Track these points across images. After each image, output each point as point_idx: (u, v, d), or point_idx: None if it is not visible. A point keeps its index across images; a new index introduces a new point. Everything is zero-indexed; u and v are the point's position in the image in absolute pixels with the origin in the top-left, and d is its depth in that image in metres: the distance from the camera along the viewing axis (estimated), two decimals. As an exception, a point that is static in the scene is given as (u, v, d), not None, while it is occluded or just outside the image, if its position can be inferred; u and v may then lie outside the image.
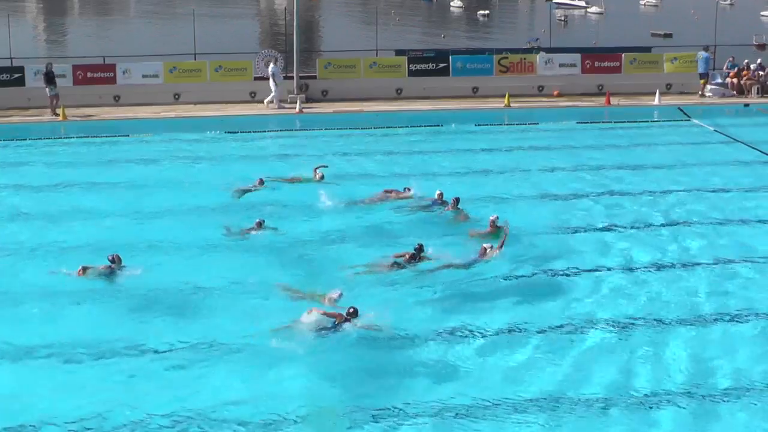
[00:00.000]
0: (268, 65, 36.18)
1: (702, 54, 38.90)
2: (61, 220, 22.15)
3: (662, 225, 21.97)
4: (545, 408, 13.42)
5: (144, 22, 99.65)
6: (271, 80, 35.95)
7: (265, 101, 36.07)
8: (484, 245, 19.15)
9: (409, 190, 23.43)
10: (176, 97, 36.64)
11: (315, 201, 23.14)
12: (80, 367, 14.69)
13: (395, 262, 18.65)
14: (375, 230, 21.42)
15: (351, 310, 15.58)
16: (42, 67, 35.30)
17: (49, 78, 34.23)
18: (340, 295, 16.34)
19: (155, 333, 15.77)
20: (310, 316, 15.63)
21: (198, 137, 31.52)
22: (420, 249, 18.75)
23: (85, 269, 18.06)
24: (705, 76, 38.81)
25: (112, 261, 18.27)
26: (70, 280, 17.86)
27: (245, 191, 24.18)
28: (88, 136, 31.57)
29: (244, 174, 25.40)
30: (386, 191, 23.52)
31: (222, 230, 20.77)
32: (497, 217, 20.52)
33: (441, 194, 22.57)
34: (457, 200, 22.20)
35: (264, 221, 20.68)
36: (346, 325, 15.46)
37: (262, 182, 24.54)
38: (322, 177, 25.03)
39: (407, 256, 18.69)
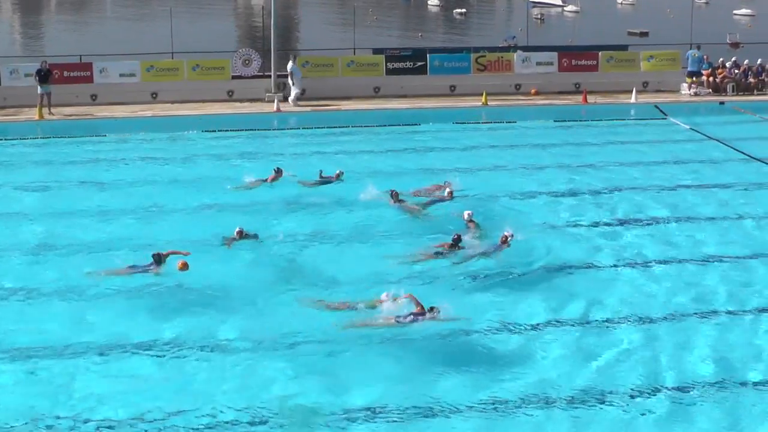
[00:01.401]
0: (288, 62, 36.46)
1: (695, 52, 39.12)
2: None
3: (640, 222, 22.10)
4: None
5: (121, 21, 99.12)
6: (289, 78, 35.99)
7: (290, 99, 36.18)
8: (505, 233, 19.66)
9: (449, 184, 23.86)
10: (153, 96, 36.55)
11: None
12: (146, 363, 14.91)
13: (437, 252, 19.27)
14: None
15: (431, 308, 15.98)
16: (32, 65, 35.04)
17: (43, 76, 34.08)
18: (391, 295, 16.54)
19: (227, 328, 16.04)
20: (389, 306, 16.11)
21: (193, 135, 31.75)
22: (458, 239, 19.37)
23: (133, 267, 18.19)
24: (695, 74, 39.02)
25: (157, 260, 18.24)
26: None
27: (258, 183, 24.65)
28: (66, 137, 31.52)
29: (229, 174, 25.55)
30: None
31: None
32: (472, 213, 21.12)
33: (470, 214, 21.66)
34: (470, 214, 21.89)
35: (243, 230, 19.99)
36: (427, 317, 15.85)
37: (279, 172, 24.85)
38: (341, 174, 25.09)
39: (446, 246, 19.36)
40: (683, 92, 39.22)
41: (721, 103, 37.96)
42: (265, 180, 24.77)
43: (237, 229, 19.95)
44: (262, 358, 15.02)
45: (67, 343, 15.37)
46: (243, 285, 17.89)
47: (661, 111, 36.24)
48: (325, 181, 24.78)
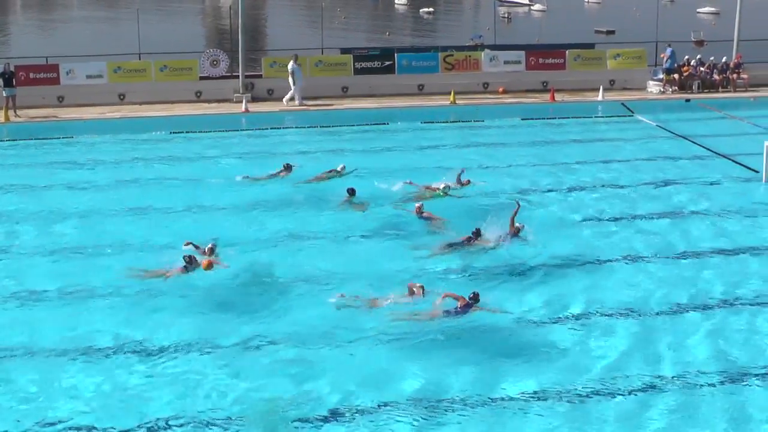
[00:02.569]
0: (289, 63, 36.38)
1: (668, 50, 39.46)
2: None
3: (609, 219, 22.23)
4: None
5: (87, 22, 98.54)
6: (290, 78, 35.95)
7: (285, 100, 36.25)
8: (517, 225, 20.17)
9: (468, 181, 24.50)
10: (121, 97, 36.39)
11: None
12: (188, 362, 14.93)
13: (455, 244, 19.71)
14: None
15: (473, 294, 16.31)
16: (-2, 67, 34.92)
17: (7, 79, 33.88)
18: (422, 287, 16.77)
19: (276, 325, 16.20)
20: (437, 301, 16.34)
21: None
22: (477, 233, 19.72)
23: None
24: (671, 71, 39.31)
25: (189, 261, 18.14)
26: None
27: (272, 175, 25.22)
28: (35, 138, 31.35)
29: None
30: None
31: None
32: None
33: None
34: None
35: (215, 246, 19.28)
36: (473, 308, 16.17)
37: (289, 168, 25.43)
38: (343, 168, 25.53)
39: (464, 240, 19.67)
40: (651, 90, 39.51)
41: (687, 100, 38.29)
42: (276, 174, 25.33)
43: (210, 245, 18.93)
44: (305, 354, 15.16)
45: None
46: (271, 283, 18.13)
47: (628, 108, 36.50)
48: (330, 175, 25.33)
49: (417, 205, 21.92)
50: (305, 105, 36.12)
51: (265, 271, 18.58)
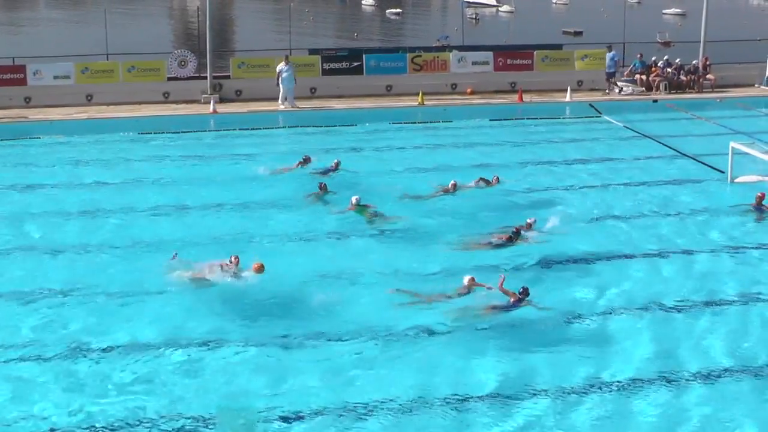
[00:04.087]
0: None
1: (609, 54, 39.64)
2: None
3: (574, 220, 22.32)
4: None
5: (54, 22, 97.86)
6: (277, 78, 35.87)
7: (280, 101, 36.19)
8: (528, 220, 20.81)
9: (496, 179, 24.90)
10: (89, 98, 36.15)
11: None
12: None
13: (496, 243, 20.16)
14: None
15: (522, 289, 16.67)
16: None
17: None
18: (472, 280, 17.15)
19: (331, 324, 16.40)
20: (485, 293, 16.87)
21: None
22: (517, 232, 20.17)
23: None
24: (613, 75, 39.54)
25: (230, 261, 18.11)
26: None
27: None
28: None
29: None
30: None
31: None
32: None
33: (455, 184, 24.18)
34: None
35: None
36: (524, 303, 16.57)
37: (337, 165, 25.91)
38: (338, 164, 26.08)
39: (505, 238, 20.12)
40: (617, 91, 39.76)
41: (654, 101, 38.54)
42: (294, 167, 25.96)
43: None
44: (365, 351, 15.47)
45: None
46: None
47: (596, 109, 36.68)
48: (324, 171, 25.67)
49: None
50: (297, 106, 35.98)
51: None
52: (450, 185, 24.16)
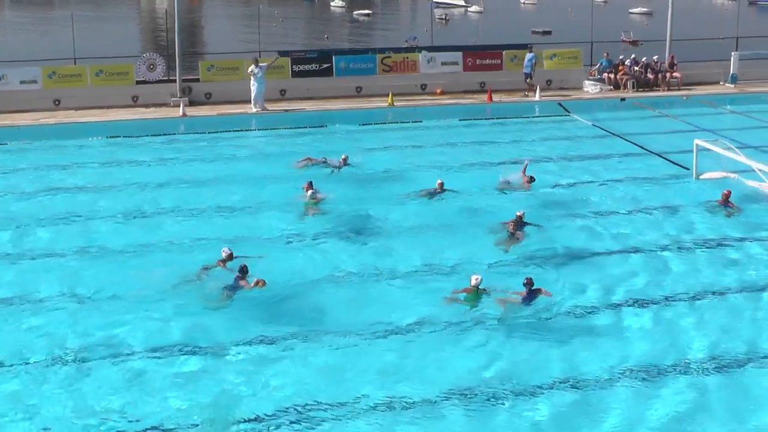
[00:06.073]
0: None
1: (530, 55, 39.78)
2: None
3: (543, 217, 22.45)
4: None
5: (20, 26, 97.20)
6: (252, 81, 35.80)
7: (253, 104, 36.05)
8: (518, 213, 21.21)
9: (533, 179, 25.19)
10: (56, 103, 35.97)
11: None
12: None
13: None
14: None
15: (526, 281, 17.18)
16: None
17: None
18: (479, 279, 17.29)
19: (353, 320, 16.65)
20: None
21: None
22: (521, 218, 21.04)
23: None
24: (529, 76, 39.56)
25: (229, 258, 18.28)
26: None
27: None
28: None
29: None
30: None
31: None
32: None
33: (441, 183, 24.44)
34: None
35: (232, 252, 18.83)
36: (543, 293, 17.08)
37: (345, 160, 26.72)
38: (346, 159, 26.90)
39: (511, 225, 20.88)
40: (587, 89, 40.00)
41: (622, 99, 38.82)
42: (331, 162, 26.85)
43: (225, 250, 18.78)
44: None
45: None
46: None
47: (565, 108, 36.91)
48: (333, 166, 26.51)
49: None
50: (267, 109, 35.92)
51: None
52: (437, 185, 24.37)
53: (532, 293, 16.95)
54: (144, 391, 14.11)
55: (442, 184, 24.40)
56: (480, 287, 17.10)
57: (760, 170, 23.66)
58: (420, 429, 13.19)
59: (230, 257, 18.49)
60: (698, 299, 17.71)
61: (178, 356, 15.23)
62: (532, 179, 24.96)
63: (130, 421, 13.26)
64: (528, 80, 39.17)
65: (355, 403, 13.72)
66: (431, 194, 24.23)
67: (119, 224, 22.24)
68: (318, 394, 13.99)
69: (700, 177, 25.77)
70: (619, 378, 14.57)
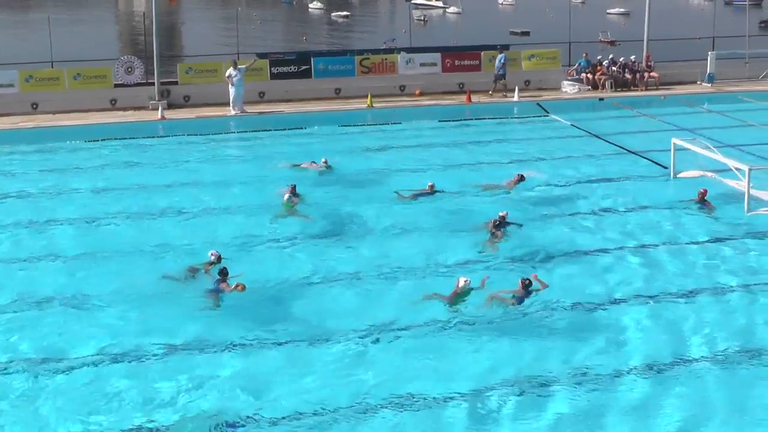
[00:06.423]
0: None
1: (500, 56, 39.86)
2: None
3: (523, 218, 22.51)
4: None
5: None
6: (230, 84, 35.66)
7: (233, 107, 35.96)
8: (500, 213, 21.23)
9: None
10: (34, 106, 35.82)
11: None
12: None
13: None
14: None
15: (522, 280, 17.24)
16: None
17: None
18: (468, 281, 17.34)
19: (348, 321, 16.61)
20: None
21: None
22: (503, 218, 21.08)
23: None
24: (502, 77, 39.65)
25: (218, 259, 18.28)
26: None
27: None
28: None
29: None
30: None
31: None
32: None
33: (432, 185, 24.50)
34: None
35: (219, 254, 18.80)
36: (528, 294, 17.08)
37: (326, 162, 26.98)
38: (326, 163, 27.03)
39: (491, 225, 20.94)
40: (565, 90, 40.15)
41: (600, 99, 38.98)
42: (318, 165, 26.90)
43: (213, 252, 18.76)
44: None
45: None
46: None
47: (543, 108, 37.05)
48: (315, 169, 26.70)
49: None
50: (245, 111, 35.83)
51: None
52: (428, 186, 24.41)
53: (526, 293, 16.97)
54: (119, 396, 14.02)
55: (432, 186, 24.39)
56: (470, 288, 17.14)
57: (736, 169, 23.78)
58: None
59: (218, 260, 18.40)
60: (676, 297, 17.75)
61: (152, 361, 15.16)
62: (521, 178, 24.97)
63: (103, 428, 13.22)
64: (501, 81, 39.25)
65: (332, 411, 13.66)
66: (420, 195, 24.19)
67: (118, 225, 22.30)
68: (304, 396, 14.00)
69: (678, 176, 25.91)
70: (582, 378, 14.61)
